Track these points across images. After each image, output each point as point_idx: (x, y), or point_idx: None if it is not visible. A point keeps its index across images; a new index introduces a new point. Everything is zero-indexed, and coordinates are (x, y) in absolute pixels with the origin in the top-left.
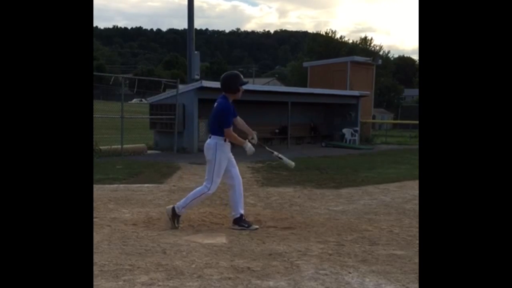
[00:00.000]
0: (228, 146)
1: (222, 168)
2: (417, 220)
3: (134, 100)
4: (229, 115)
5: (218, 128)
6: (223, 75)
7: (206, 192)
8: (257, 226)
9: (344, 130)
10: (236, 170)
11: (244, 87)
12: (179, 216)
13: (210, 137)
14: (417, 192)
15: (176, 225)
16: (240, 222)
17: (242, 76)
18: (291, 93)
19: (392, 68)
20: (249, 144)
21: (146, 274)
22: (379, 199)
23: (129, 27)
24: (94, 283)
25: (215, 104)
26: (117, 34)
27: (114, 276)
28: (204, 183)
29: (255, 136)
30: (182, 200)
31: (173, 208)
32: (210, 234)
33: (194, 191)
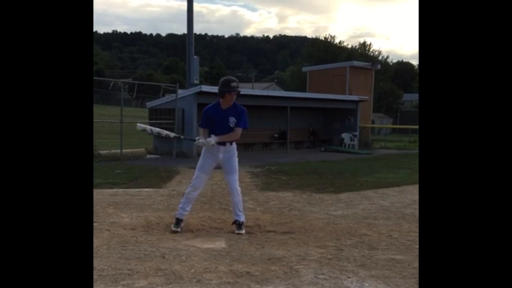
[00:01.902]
0: (215, 147)
1: (206, 164)
2: (416, 224)
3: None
4: (203, 117)
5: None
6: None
7: (189, 186)
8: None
9: (343, 135)
10: (228, 177)
11: (244, 91)
12: (181, 220)
13: None
14: (416, 196)
15: (174, 228)
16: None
17: (233, 83)
18: (290, 98)
19: (391, 73)
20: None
21: (145, 279)
22: (378, 203)
23: (129, 32)
24: None
25: None
26: (116, 39)
27: (113, 281)
28: None
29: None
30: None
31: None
32: (209, 239)
33: None
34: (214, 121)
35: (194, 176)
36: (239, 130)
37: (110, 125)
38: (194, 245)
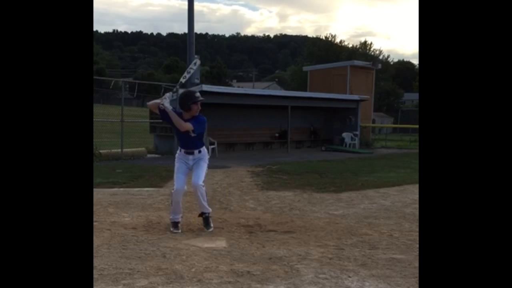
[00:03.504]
0: (182, 154)
1: (180, 167)
2: (417, 224)
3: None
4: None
5: None
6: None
7: (172, 191)
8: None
9: (344, 134)
10: (193, 173)
11: (244, 91)
12: (176, 222)
13: None
14: (417, 196)
15: (174, 231)
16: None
17: (196, 93)
18: (291, 97)
19: (392, 72)
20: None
21: (145, 278)
22: (379, 203)
23: (129, 31)
24: (94, 287)
25: None
26: (117, 38)
27: (114, 280)
28: None
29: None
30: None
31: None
32: (210, 238)
33: None
34: (177, 129)
35: (174, 180)
36: (187, 125)
37: (110, 125)
38: (195, 244)
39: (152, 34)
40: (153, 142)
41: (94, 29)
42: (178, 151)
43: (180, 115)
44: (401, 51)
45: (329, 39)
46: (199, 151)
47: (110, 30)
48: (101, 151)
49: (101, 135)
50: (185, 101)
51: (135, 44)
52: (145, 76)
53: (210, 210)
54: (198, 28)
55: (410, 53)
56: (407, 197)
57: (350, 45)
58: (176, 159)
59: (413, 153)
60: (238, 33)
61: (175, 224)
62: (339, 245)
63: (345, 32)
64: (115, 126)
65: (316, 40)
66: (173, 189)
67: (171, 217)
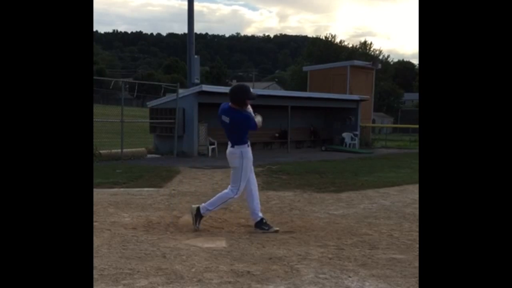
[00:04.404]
0: (251, 152)
1: (249, 173)
2: (417, 224)
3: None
4: (251, 119)
5: (240, 138)
6: (232, 86)
7: (233, 196)
8: (277, 228)
9: (344, 134)
10: (253, 175)
11: None
12: (202, 217)
13: (232, 146)
14: (417, 196)
15: (197, 226)
16: (261, 225)
17: (250, 90)
18: (291, 97)
19: (392, 72)
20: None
21: (146, 278)
22: (379, 203)
23: (129, 32)
24: (94, 287)
25: (229, 119)
26: (117, 38)
27: (114, 280)
28: (230, 187)
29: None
30: (208, 202)
31: (198, 208)
32: (210, 238)
33: (220, 194)
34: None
35: (240, 187)
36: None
37: (110, 125)
38: (195, 244)
39: (152, 34)
40: (153, 142)
41: (94, 29)
42: (247, 148)
43: (232, 110)
44: (401, 51)
45: (329, 39)
46: None
47: (110, 30)
48: (101, 151)
49: (101, 135)
50: (242, 95)
51: (135, 44)
52: (145, 76)
53: (261, 216)
54: (198, 28)
55: (410, 53)
56: (407, 197)
57: (350, 45)
58: (246, 159)
59: (413, 153)
60: (238, 33)
61: (201, 218)
62: (339, 245)
63: (345, 32)
64: (115, 126)
65: (316, 40)
66: (235, 195)
67: (209, 208)
